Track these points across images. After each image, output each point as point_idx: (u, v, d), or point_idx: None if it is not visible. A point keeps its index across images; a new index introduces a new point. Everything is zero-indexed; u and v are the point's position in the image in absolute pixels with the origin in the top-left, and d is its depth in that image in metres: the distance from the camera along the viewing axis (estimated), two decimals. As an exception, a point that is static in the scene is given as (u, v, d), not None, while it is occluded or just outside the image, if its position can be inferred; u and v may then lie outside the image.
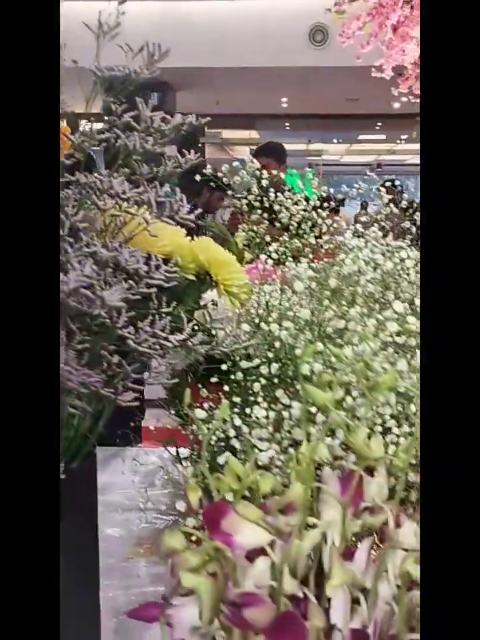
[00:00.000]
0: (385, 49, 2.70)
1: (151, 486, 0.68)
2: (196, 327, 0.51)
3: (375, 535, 0.41)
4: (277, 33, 5.16)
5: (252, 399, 0.49)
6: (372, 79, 2.83)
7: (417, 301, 0.52)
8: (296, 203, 0.89)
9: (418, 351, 0.45)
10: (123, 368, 0.48)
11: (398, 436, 0.43)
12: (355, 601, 0.38)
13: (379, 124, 7.68)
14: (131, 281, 0.48)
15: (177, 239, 0.70)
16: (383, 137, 8.91)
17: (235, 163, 0.95)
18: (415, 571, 0.33)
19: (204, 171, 0.92)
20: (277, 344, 0.48)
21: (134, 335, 0.47)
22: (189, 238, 0.69)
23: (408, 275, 0.52)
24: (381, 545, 0.41)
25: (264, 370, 0.49)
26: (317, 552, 0.38)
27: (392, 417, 0.43)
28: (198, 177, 0.90)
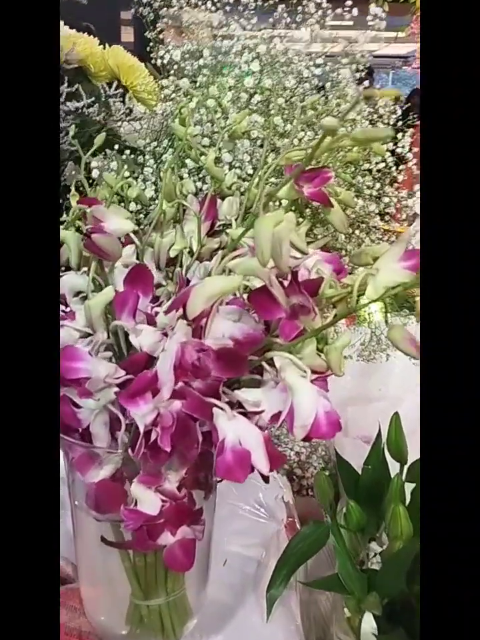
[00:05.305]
0: None
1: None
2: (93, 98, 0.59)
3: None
4: None
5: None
6: None
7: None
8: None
9: (272, 110, 0.54)
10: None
11: (249, 174, 0.53)
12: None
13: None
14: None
15: (90, 48, 0.76)
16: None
17: None
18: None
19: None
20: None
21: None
22: (102, 46, 0.75)
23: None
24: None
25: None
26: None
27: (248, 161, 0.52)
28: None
